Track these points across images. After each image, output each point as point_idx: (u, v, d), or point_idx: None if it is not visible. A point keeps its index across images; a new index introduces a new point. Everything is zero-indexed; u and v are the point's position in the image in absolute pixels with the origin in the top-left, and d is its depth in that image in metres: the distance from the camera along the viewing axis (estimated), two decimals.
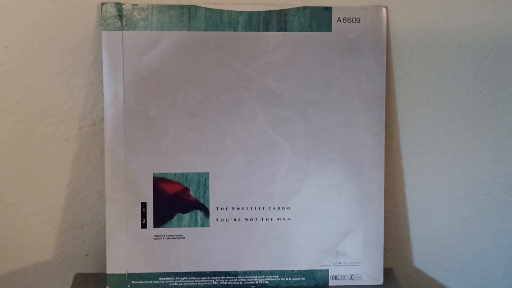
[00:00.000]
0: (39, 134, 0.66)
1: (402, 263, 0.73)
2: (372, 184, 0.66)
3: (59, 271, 0.71)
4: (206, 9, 0.63)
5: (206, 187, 0.65)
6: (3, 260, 0.70)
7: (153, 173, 0.65)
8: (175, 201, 0.65)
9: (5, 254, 0.70)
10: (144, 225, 0.65)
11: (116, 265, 0.65)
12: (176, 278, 0.66)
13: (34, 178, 0.67)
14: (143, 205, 0.65)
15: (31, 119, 0.66)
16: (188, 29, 0.63)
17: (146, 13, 0.63)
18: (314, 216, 0.66)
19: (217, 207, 0.65)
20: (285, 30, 0.64)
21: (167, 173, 0.65)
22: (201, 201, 0.65)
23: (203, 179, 0.65)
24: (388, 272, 0.69)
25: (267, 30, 0.64)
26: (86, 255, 0.70)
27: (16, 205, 0.68)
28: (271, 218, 0.66)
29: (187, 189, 0.65)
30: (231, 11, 0.63)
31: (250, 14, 0.64)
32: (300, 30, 0.64)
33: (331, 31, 0.64)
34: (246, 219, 0.66)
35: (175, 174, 0.65)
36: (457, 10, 0.66)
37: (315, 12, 0.64)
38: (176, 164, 0.65)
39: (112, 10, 0.63)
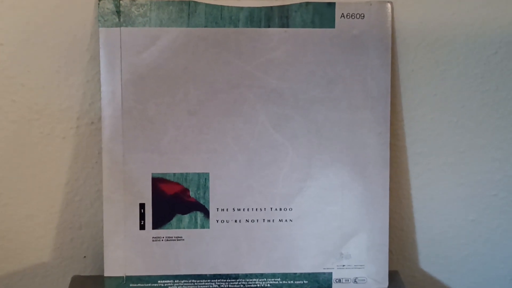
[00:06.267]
0: (36, 133, 0.66)
1: (407, 265, 0.72)
2: (377, 184, 0.66)
3: (57, 273, 0.70)
4: (206, 5, 0.63)
5: (206, 188, 0.65)
6: (0, 261, 0.70)
7: (152, 173, 0.64)
8: (174, 202, 0.65)
9: (2, 255, 0.69)
10: (142, 227, 0.65)
11: (114, 267, 0.65)
12: (175, 281, 0.66)
13: (31, 178, 0.67)
14: (142, 206, 0.65)
15: (27, 118, 0.66)
16: (188, 26, 0.63)
17: (144, 9, 0.62)
18: (317, 217, 0.66)
19: (217, 208, 0.65)
20: (287, 27, 0.63)
21: (166, 173, 0.64)
22: (201, 202, 0.65)
23: (203, 180, 0.65)
24: (393, 275, 0.68)
25: (269, 27, 0.63)
26: (84, 257, 0.70)
27: (13, 205, 0.68)
28: (273, 220, 0.66)
29: (186, 190, 0.65)
30: (231, 7, 0.63)
31: (251, 10, 0.63)
32: (303, 27, 0.64)
33: (334, 27, 0.64)
34: (247, 221, 0.65)
35: (174, 174, 0.64)
36: (464, 5, 0.65)
37: (318, 8, 0.63)
38: (176, 164, 0.64)
39: (109, 6, 0.62)
